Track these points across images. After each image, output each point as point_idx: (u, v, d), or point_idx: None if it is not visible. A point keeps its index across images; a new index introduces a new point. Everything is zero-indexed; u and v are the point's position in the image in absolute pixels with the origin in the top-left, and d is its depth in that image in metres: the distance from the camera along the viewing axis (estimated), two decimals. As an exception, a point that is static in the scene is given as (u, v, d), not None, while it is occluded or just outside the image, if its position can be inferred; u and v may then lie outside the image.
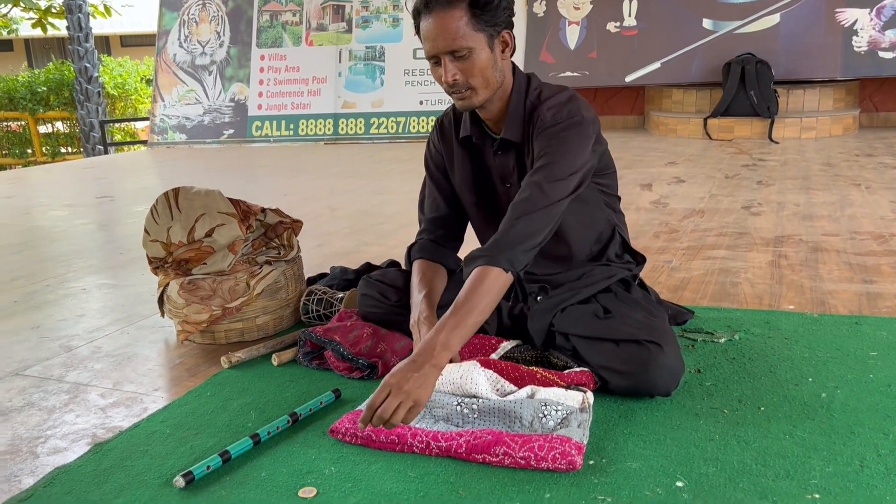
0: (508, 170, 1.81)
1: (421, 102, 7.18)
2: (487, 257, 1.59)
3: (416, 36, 1.69)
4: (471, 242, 1.93)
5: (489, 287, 1.56)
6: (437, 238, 1.93)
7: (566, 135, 1.67)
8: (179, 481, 1.37)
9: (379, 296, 1.98)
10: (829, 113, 6.20)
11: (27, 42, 20.18)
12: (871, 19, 6.10)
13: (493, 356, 1.79)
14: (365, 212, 3.99)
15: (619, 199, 1.95)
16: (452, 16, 1.59)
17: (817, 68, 6.25)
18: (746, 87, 6.07)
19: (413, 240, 1.98)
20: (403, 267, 1.98)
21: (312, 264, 2.72)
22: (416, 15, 1.65)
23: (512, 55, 1.73)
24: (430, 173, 1.96)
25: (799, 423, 1.51)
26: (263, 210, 2.26)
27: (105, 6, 10.86)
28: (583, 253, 1.89)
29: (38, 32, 11.49)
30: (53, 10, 11.04)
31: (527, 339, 1.85)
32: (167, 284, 2.14)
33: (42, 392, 1.87)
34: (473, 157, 1.86)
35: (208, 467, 1.41)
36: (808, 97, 6.25)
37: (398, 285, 1.99)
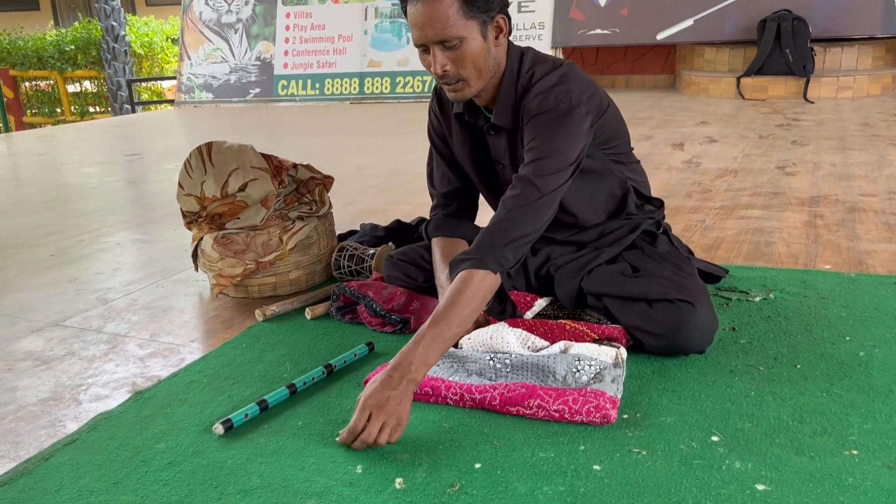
0: (501, 150, 1.74)
1: (448, 61, 7.09)
2: (474, 260, 1.50)
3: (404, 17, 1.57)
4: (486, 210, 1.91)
5: (473, 293, 1.47)
6: (452, 212, 1.89)
7: (555, 125, 1.56)
8: (219, 428, 1.40)
9: (405, 277, 1.96)
10: (868, 72, 6.04)
11: (53, 1, 20.19)
12: (915, -26, 5.89)
13: (528, 314, 1.79)
14: (392, 170, 3.98)
15: (631, 151, 1.86)
16: (442, 2, 1.47)
17: (856, 25, 6.06)
18: (782, 45, 5.92)
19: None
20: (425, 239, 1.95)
21: (342, 221, 2.73)
22: (404, 0, 1.53)
23: (507, 39, 1.62)
24: (435, 145, 1.89)
25: (836, 381, 1.50)
26: (295, 165, 2.26)
27: (130, -37, 10.80)
28: (594, 217, 1.82)
29: (64, -9, 11.49)
30: (79, -32, 11.01)
31: (558, 299, 1.84)
32: (201, 238, 2.16)
33: (82, 342, 1.91)
34: (470, 133, 1.79)
35: (246, 415, 1.44)
36: (845, 55, 6.08)
37: (421, 264, 1.94)
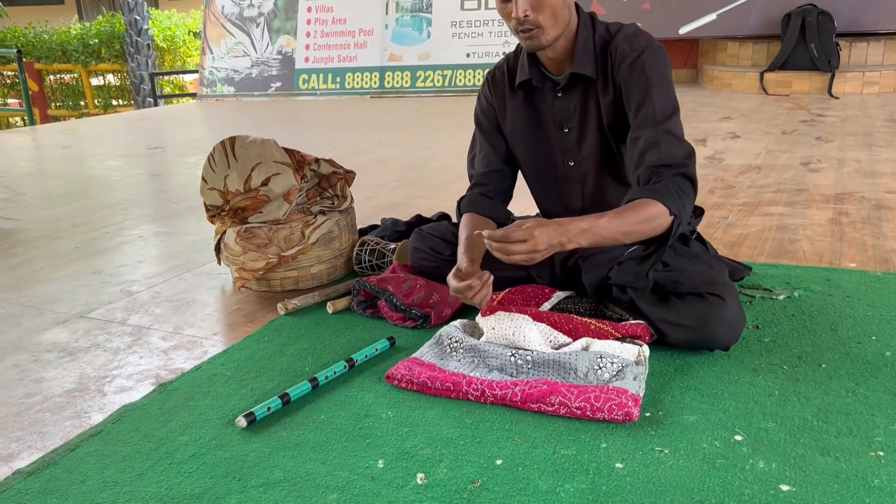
0: (569, 112, 1.78)
1: (468, 55, 7.09)
2: (660, 196, 1.56)
3: None
4: (520, 199, 1.91)
5: (647, 217, 1.55)
6: (488, 192, 1.92)
7: (652, 63, 1.65)
8: (241, 421, 1.41)
9: (430, 251, 1.99)
10: (894, 67, 5.94)
11: (77, -5, 20.36)
12: (945, -33, 5.79)
13: (546, 305, 1.79)
14: (413, 165, 3.98)
15: None
16: None
17: (882, 20, 5.97)
18: (807, 40, 5.84)
19: (462, 193, 1.97)
20: (454, 220, 1.98)
21: (363, 215, 2.74)
22: None
23: None
24: (481, 128, 1.94)
25: (862, 381, 1.48)
26: (317, 160, 2.27)
27: (153, -42, 10.88)
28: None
29: (88, -15, 11.60)
30: (103, -37, 11.11)
31: (581, 291, 1.84)
32: (224, 232, 2.17)
33: (106, 334, 1.93)
34: (529, 102, 1.84)
35: (269, 409, 1.45)
36: (871, 50, 5.99)
37: (450, 239, 1.98)
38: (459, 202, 1.96)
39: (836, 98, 5.66)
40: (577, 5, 1.74)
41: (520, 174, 1.98)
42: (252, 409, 1.43)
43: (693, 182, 1.63)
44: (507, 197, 1.97)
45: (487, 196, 1.91)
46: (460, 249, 1.79)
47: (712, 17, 6.40)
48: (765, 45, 6.22)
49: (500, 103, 1.88)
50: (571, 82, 1.75)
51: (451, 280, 1.66)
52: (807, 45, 5.85)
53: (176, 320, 2.00)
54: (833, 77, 5.79)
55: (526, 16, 1.60)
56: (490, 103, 1.90)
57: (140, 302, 2.15)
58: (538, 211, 2.06)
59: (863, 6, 5.98)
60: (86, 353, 1.82)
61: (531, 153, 1.88)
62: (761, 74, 6.05)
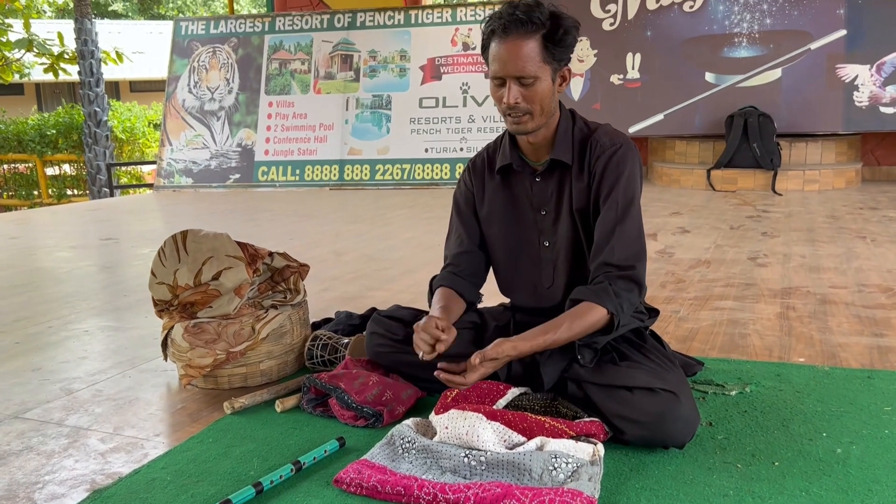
0: (546, 196, 1.87)
1: (426, 150, 7.25)
2: (596, 297, 1.70)
3: (482, 55, 1.78)
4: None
5: (584, 322, 1.69)
6: (460, 272, 1.97)
7: (625, 158, 1.78)
8: None
9: (385, 332, 1.99)
10: (832, 166, 6.25)
11: (38, 86, 20.49)
12: (872, 75, 6.19)
13: (501, 402, 1.76)
14: (370, 257, 3.98)
15: None
16: (527, 44, 1.67)
17: (819, 122, 6.32)
18: (749, 140, 6.13)
19: (428, 279, 2.02)
20: (428, 303, 2.00)
21: (317, 308, 2.71)
22: (490, 35, 1.72)
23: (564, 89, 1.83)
24: (459, 211, 2.01)
25: (815, 480, 1.48)
26: (271, 254, 2.26)
27: (117, 53, 11.04)
28: None
29: (49, 77, 11.68)
30: (66, 56, 11.22)
31: (536, 386, 1.83)
32: (171, 327, 2.12)
33: (41, 436, 1.83)
34: (507, 186, 1.92)
35: None
36: (810, 150, 6.31)
37: (406, 320, 1.99)
38: (432, 280, 2.00)
39: (780, 195, 5.89)
40: (559, 102, 1.85)
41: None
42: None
43: (637, 283, 1.74)
44: (479, 280, 2.01)
45: (459, 276, 1.96)
46: (433, 311, 1.85)
47: (660, 117, 6.69)
48: (710, 144, 6.50)
49: (479, 187, 1.97)
50: (550, 168, 1.85)
51: (419, 324, 1.74)
52: (750, 145, 6.13)
53: (116, 420, 1.92)
54: (776, 175, 6.04)
55: (517, 103, 1.70)
56: (469, 188, 1.98)
57: (80, 401, 2.06)
58: (502, 301, 2.08)
59: (800, 109, 6.33)
60: (17, 457, 1.72)
61: (507, 233, 1.94)
62: (708, 171, 6.29)
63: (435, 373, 1.64)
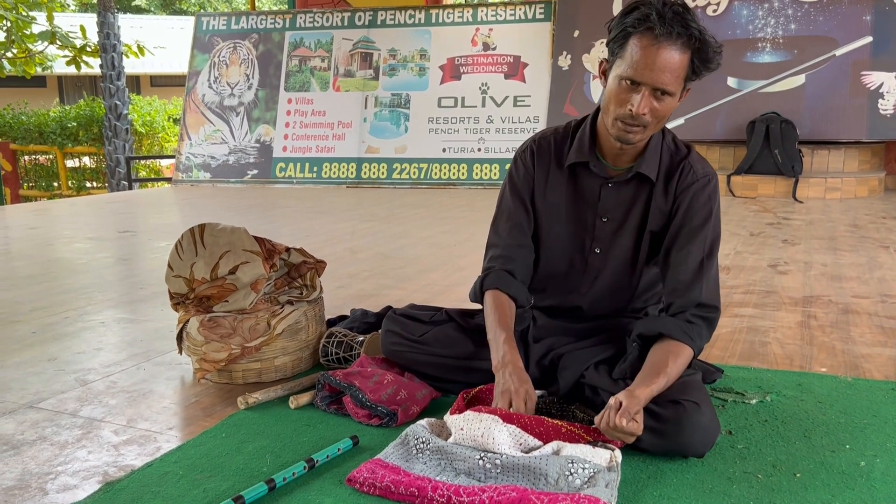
0: (614, 204, 1.78)
1: (444, 150, 7.23)
2: (686, 337, 1.65)
3: (609, 44, 1.61)
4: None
5: (684, 364, 1.63)
6: (513, 270, 1.83)
7: (715, 194, 1.73)
8: None
9: (400, 331, 1.96)
10: (855, 174, 6.17)
11: (60, 79, 20.67)
12: (898, 83, 6.10)
13: (518, 406, 1.74)
14: (385, 255, 3.97)
15: None
16: (681, 57, 1.55)
17: (842, 130, 6.23)
18: (771, 146, 6.06)
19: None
20: (479, 300, 1.89)
21: (333, 305, 2.69)
22: (644, 30, 1.54)
23: None
24: (517, 195, 1.85)
25: (838, 493, 1.44)
26: (288, 249, 2.25)
27: (139, 46, 11.11)
28: (636, 303, 1.91)
29: (71, 70, 11.77)
30: (88, 49, 11.31)
31: (553, 390, 1.81)
32: (187, 321, 2.11)
33: (55, 426, 1.83)
34: (573, 182, 1.82)
35: None
36: (832, 158, 6.23)
37: (422, 319, 1.97)
38: (483, 279, 1.85)
39: (801, 202, 5.83)
40: None
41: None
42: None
43: (712, 322, 1.72)
44: (529, 277, 1.88)
45: (512, 274, 1.83)
46: (497, 337, 1.73)
47: (681, 121, 6.63)
48: (731, 150, 6.43)
49: (542, 175, 1.84)
50: (628, 178, 1.76)
51: (497, 373, 1.67)
52: (771, 151, 6.06)
53: (130, 413, 1.91)
54: (797, 182, 5.97)
55: (643, 114, 1.58)
56: (530, 173, 1.84)
57: (94, 392, 2.06)
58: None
59: (823, 116, 6.25)
60: (31, 446, 1.72)
61: (561, 231, 1.84)
62: (728, 177, 6.23)
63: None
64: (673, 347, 1.62)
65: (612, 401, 1.49)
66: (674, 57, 1.54)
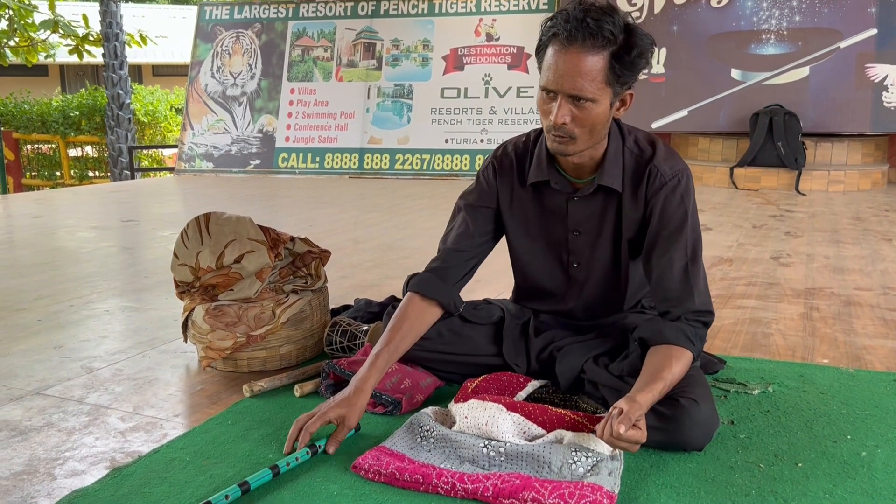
0: (584, 217, 1.74)
1: (446, 141, 7.23)
2: (690, 344, 1.61)
3: (536, 55, 1.57)
4: (492, 282, 1.90)
5: (679, 371, 1.57)
6: (445, 274, 1.81)
7: (688, 191, 1.67)
8: None
9: None
10: (858, 167, 6.16)
11: (62, 68, 20.63)
12: (902, 76, 6.09)
13: (521, 394, 1.75)
14: (388, 246, 3.98)
15: None
16: (590, 60, 1.48)
17: (846, 122, 6.22)
18: (774, 138, 6.05)
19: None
20: (402, 294, 1.87)
21: (336, 295, 2.70)
22: (551, 38, 1.51)
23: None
24: (470, 204, 1.84)
25: (839, 482, 1.45)
26: (292, 239, 2.25)
27: (141, 35, 11.08)
28: (631, 301, 1.89)
29: (73, 59, 11.75)
30: (91, 38, 11.28)
31: (555, 380, 1.82)
32: (192, 309, 2.12)
33: (62, 413, 1.85)
34: (538, 199, 1.77)
35: (227, 497, 1.38)
36: (836, 150, 6.22)
37: None
38: (409, 279, 1.83)
39: (804, 195, 5.82)
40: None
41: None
42: (209, 499, 1.36)
43: (709, 325, 1.69)
44: (464, 278, 1.84)
45: (441, 279, 1.81)
46: (377, 347, 1.69)
47: (684, 113, 6.63)
48: (734, 142, 6.43)
49: (506, 192, 1.80)
50: (594, 191, 1.71)
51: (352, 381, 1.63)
52: (774, 143, 6.05)
53: (136, 400, 1.93)
54: (800, 174, 5.97)
55: (563, 123, 1.52)
56: (491, 188, 1.81)
57: (100, 379, 2.08)
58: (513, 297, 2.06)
59: (827, 109, 6.24)
60: (38, 432, 1.73)
61: (535, 248, 1.83)
62: (731, 169, 6.22)
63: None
64: (674, 351, 1.59)
65: (612, 409, 1.43)
66: (583, 60, 1.47)
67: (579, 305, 1.87)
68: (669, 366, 1.55)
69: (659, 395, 1.51)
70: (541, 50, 1.55)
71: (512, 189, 1.80)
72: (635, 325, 1.77)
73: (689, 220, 1.66)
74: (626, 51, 1.49)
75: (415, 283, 1.80)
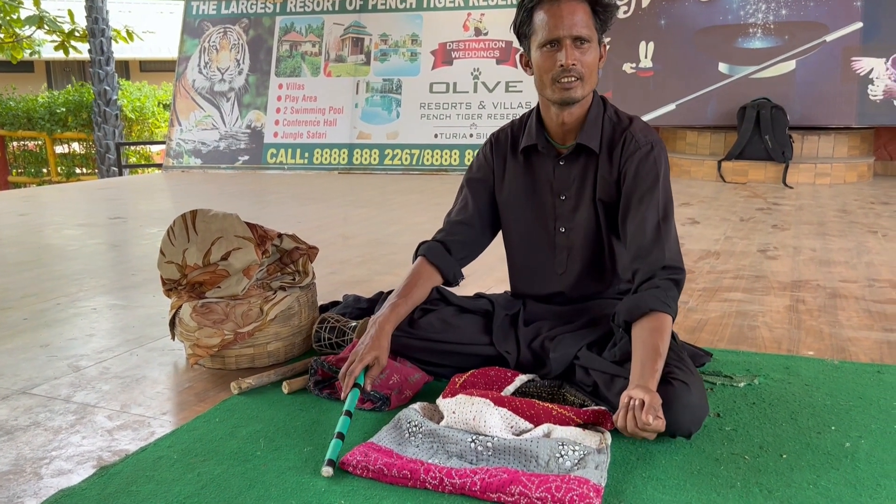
0: (569, 181, 1.86)
1: (436, 136, 7.22)
2: (664, 306, 1.67)
3: (519, 30, 1.75)
4: (491, 269, 1.91)
5: (666, 337, 1.63)
6: (450, 243, 1.96)
7: (661, 160, 1.78)
8: (327, 470, 1.46)
9: None
10: (844, 160, 6.20)
11: (48, 64, 20.47)
12: (887, 69, 6.12)
13: (509, 388, 1.76)
14: (378, 241, 3.98)
15: None
16: (580, 7, 1.69)
17: (832, 115, 6.26)
18: (761, 132, 6.08)
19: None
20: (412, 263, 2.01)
21: (325, 291, 2.70)
22: (538, 4, 1.70)
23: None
24: (470, 180, 1.99)
25: (823, 473, 1.47)
26: (280, 235, 2.25)
27: (128, 31, 11.01)
28: (617, 284, 1.92)
29: (59, 55, 11.66)
30: (76, 34, 11.20)
31: (543, 373, 1.83)
32: (180, 307, 2.12)
33: (48, 412, 1.84)
34: (529, 167, 1.91)
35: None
36: (822, 143, 6.25)
37: (412, 314, 1.97)
38: (419, 246, 1.99)
39: (791, 188, 5.85)
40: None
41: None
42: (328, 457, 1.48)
43: (682, 282, 1.76)
44: (468, 256, 2.00)
45: (447, 248, 1.95)
46: (392, 298, 1.86)
47: (672, 106, 6.64)
48: (722, 135, 6.45)
49: (500, 165, 1.95)
50: (575, 153, 1.83)
51: (369, 324, 1.81)
52: (762, 137, 6.08)
53: (124, 398, 1.92)
54: (787, 167, 6.00)
55: (574, 64, 1.68)
56: (488, 162, 1.97)
57: (87, 378, 2.07)
58: (508, 290, 2.08)
59: (813, 102, 6.28)
60: (24, 432, 1.73)
61: (525, 216, 1.93)
62: (719, 163, 6.25)
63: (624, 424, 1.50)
64: (655, 323, 1.64)
65: (626, 399, 1.49)
66: (576, 8, 1.69)
67: (567, 279, 1.92)
68: (661, 339, 1.61)
69: (660, 373, 1.57)
70: (524, 24, 1.74)
71: (505, 161, 1.95)
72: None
73: (660, 182, 1.77)
74: (602, 1, 1.72)
75: (424, 249, 1.97)
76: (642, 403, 1.46)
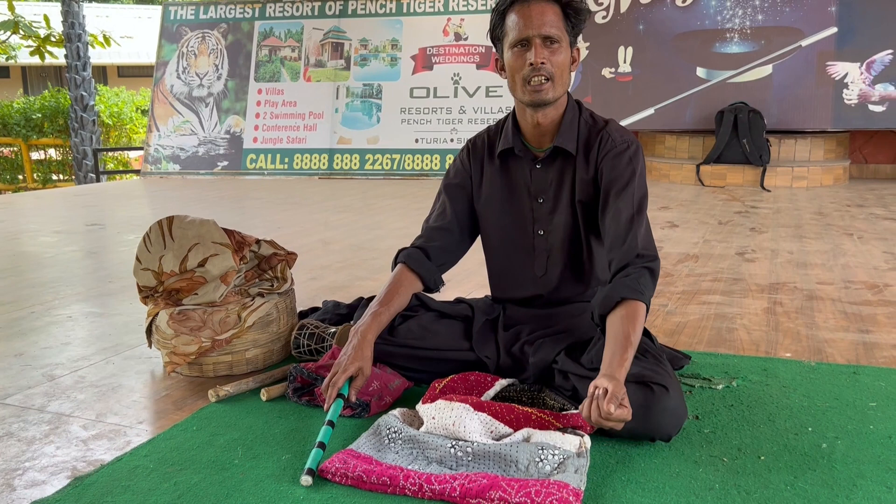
0: (545, 184, 1.86)
1: (416, 140, 7.22)
2: (637, 294, 1.65)
3: (493, 33, 1.78)
4: (472, 276, 1.91)
5: (642, 323, 1.64)
6: (429, 249, 1.95)
7: (637, 159, 1.78)
8: (306, 479, 1.44)
9: None
10: (820, 163, 6.27)
11: (24, 69, 20.25)
12: (862, 73, 6.21)
13: (489, 393, 1.76)
14: (358, 246, 3.96)
15: None
16: (551, 9, 1.71)
17: (808, 119, 6.34)
18: (739, 136, 6.14)
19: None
20: (391, 271, 1.99)
21: (305, 297, 2.69)
22: (511, 5, 1.72)
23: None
24: (447, 185, 1.99)
25: (800, 474, 1.48)
26: (258, 241, 2.24)
27: (105, 36, 10.90)
28: (602, 275, 1.92)
29: (35, 60, 11.53)
30: (53, 39, 11.08)
31: (523, 378, 1.83)
32: (156, 314, 2.10)
33: (22, 422, 1.81)
34: (506, 171, 1.91)
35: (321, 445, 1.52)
36: (799, 147, 6.33)
37: (392, 322, 1.96)
38: (398, 253, 1.98)
39: (768, 191, 5.92)
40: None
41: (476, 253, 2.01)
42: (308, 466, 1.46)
43: (657, 270, 1.74)
44: (447, 262, 2.00)
45: (427, 254, 1.95)
46: (373, 306, 1.84)
47: (650, 111, 6.69)
48: (700, 139, 6.51)
49: (478, 170, 1.96)
50: (552, 155, 1.84)
51: (351, 333, 1.79)
52: (739, 141, 6.14)
53: (99, 407, 1.90)
54: (765, 171, 6.06)
55: (543, 63, 1.69)
56: (465, 167, 1.97)
57: (62, 387, 2.04)
58: (488, 294, 2.07)
59: (790, 106, 6.35)
60: (-3, 442, 1.70)
61: (503, 220, 1.94)
62: (697, 167, 6.30)
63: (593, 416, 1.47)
64: (627, 311, 1.63)
65: (592, 389, 1.46)
66: (547, 9, 1.71)
67: (546, 281, 1.92)
68: (632, 327, 1.61)
69: (630, 361, 1.56)
70: (497, 27, 1.77)
71: (482, 165, 1.96)
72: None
73: (636, 178, 1.78)
74: (573, 4, 1.74)
75: (403, 256, 1.96)
76: (605, 391, 1.44)
